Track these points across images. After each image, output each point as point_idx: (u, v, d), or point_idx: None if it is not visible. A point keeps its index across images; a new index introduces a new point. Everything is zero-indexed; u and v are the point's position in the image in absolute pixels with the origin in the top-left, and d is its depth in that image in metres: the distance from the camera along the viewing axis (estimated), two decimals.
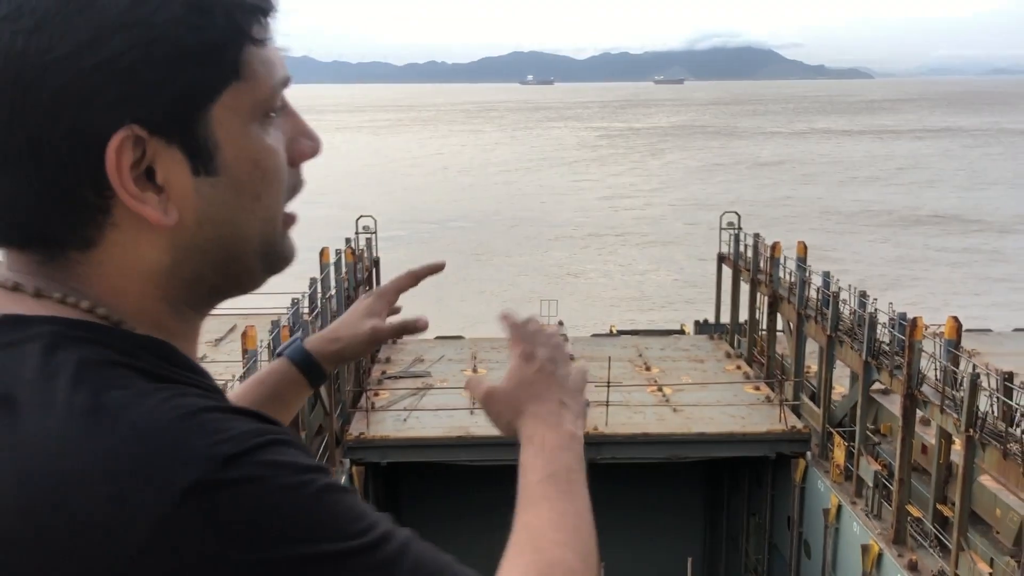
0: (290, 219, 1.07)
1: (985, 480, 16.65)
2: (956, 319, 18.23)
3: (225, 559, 0.81)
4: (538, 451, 1.22)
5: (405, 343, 27.84)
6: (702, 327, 29.65)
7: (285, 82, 1.01)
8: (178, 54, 0.89)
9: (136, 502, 0.80)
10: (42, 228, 0.94)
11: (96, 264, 0.96)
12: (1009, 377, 16.40)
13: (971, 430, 15.95)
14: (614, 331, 30.60)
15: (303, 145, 1.05)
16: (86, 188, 0.91)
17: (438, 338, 28.54)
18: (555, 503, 1.14)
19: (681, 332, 30.27)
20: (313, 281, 21.34)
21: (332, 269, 22.87)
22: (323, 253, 23.38)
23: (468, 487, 24.28)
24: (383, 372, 25.36)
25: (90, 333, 0.93)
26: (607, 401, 21.86)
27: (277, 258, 1.06)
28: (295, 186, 1.06)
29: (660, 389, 24.00)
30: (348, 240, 25.69)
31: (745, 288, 27.16)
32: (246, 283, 1.06)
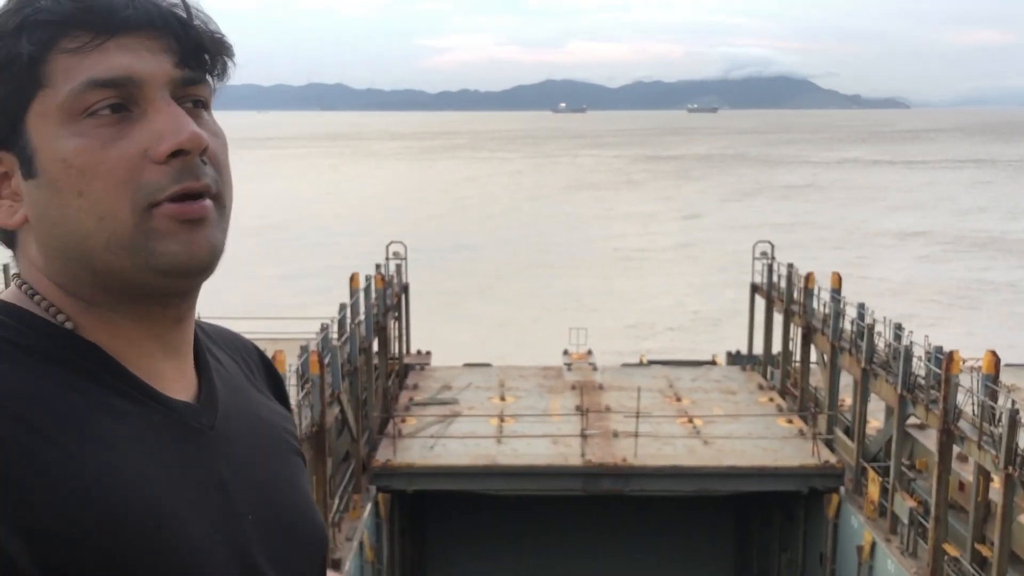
0: (172, 212, 1.06)
1: None
2: (994, 353, 17.85)
3: None
4: None
5: (433, 369, 27.87)
6: (734, 358, 29.36)
7: (108, 82, 1.04)
8: None
9: None
10: None
11: (20, 258, 1.13)
12: None
13: (1010, 467, 15.58)
14: (644, 361, 30.36)
15: (164, 142, 1.07)
16: None
17: (466, 365, 28.53)
18: None
19: (712, 363, 29.97)
20: (343, 306, 21.42)
21: (362, 295, 22.95)
22: (353, 279, 23.46)
23: (494, 516, 24.11)
24: (410, 399, 25.33)
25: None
26: (636, 432, 21.66)
27: (154, 256, 1.06)
28: (159, 185, 1.06)
29: (691, 421, 23.74)
30: (378, 266, 25.80)
31: (778, 319, 26.88)
32: (131, 282, 1.09)
